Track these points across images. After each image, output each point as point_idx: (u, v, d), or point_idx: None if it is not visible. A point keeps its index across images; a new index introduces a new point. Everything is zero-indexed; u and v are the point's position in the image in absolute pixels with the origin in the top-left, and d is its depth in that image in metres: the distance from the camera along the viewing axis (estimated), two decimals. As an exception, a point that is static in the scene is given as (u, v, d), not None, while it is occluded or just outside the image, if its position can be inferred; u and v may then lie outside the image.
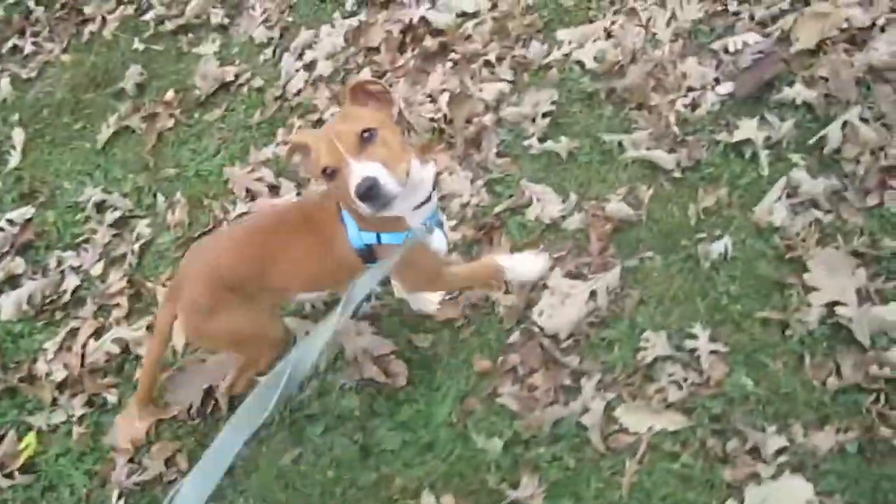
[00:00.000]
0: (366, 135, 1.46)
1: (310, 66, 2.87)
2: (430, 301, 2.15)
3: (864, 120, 2.27)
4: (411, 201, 1.60)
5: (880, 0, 2.54)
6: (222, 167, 2.70)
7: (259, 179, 2.59)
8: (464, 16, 2.85)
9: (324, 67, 2.82)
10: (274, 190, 2.58)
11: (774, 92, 2.42)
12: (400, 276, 1.95)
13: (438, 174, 1.74)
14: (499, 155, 2.46)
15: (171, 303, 1.80)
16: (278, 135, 2.71)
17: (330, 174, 1.48)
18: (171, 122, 2.90)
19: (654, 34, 2.64)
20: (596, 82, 2.55)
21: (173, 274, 2.40)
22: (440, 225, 1.77)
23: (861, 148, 2.22)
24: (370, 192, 1.39)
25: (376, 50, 2.80)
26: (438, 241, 1.74)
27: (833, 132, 2.25)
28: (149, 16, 3.23)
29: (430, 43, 2.73)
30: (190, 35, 3.18)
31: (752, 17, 2.62)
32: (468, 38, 2.76)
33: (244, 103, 2.89)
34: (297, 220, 1.75)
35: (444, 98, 2.61)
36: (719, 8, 2.64)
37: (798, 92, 2.38)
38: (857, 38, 2.45)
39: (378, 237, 1.65)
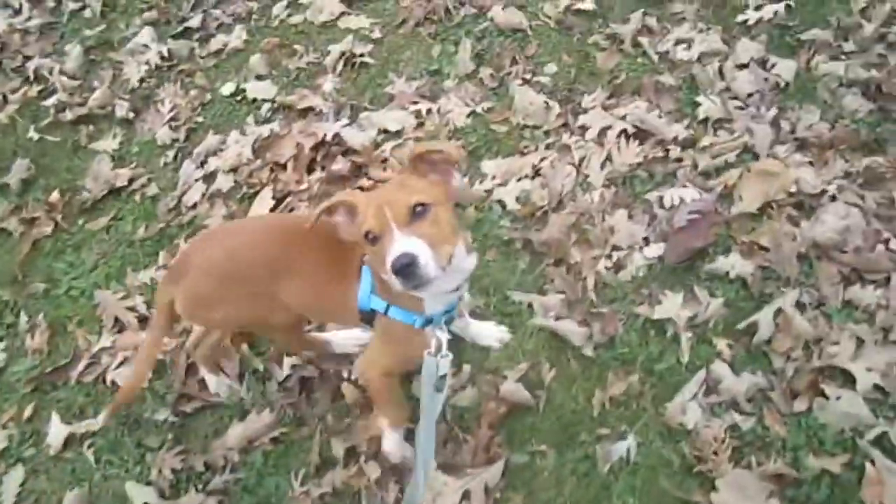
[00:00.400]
0: (419, 209, 1.50)
1: (210, 178, 2.77)
2: (496, 335, 2.27)
3: (800, 306, 2.17)
4: (442, 287, 1.61)
5: (834, 163, 2.45)
6: (95, 288, 2.58)
7: (131, 309, 2.46)
8: (385, 133, 2.77)
9: (224, 181, 2.76)
10: (143, 323, 2.44)
11: (707, 260, 2.35)
12: (375, 342, 1.92)
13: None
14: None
15: (172, 286, 1.87)
16: (160, 257, 2.59)
17: (372, 239, 1.51)
18: (50, 228, 2.85)
19: (587, 176, 2.58)
20: (514, 228, 2.46)
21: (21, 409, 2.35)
22: (451, 321, 1.81)
23: (794, 342, 2.15)
24: (407, 268, 1.42)
25: (283, 167, 2.70)
26: (441, 336, 1.71)
27: (765, 319, 2.18)
28: (51, 100, 3.18)
29: (340, 165, 2.64)
30: (91, 127, 3.13)
31: (695, 166, 2.58)
32: (384, 161, 2.66)
33: (133, 213, 2.85)
34: (324, 240, 1.71)
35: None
36: (660, 153, 2.57)
37: (733, 263, 2.32)
38: (804, 205, 2.42)
39: (387, 308, 1.72)
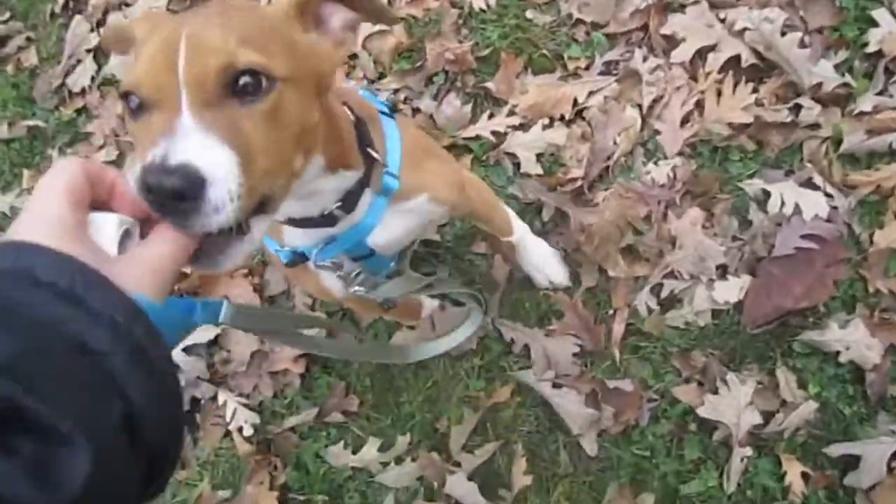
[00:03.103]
0: (245, 79, 0.84)
1: (101, 54, 2.25)
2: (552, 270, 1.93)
3: None
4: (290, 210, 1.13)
5: None
6: None
7: None
8: None
9: (118, 66, 2.20)
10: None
11: (811, 322, 1.81)
12: None
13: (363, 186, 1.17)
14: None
15: None
16: (24, 177, 2.17)
17: (135, 108, 0.86)
18: None
19: (656, 133, 1.97)
20: (527, 203, 1.87)
21: None
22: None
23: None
24: (172, 194, 0.76)
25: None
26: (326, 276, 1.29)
27: (873, 454, 1.70)
28: None
29: None
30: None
31: (837, 145, 1.87)
32: None
33: (3, 93, 2.42)
34: None
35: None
36: (786, 111, 1.84)
37: (850, 338, 1.81)
38: None
39: None
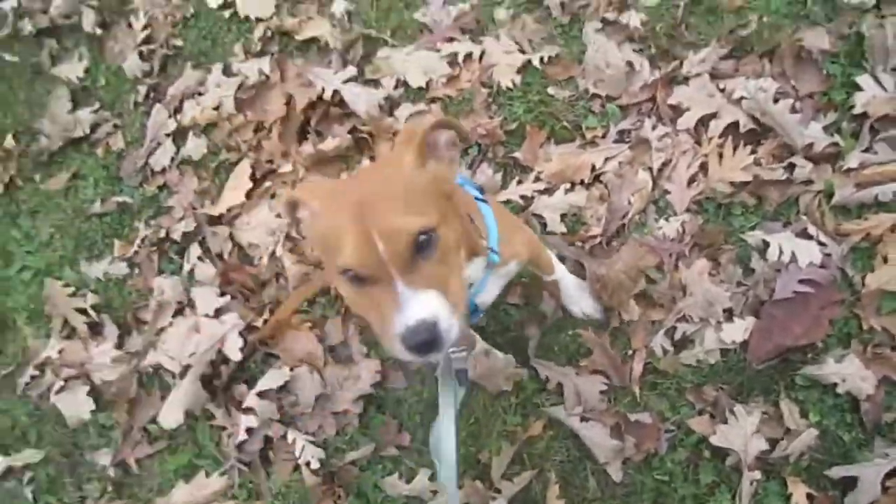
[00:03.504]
0: (423, 238, 1.20)
1: (182, 134, 2.58)
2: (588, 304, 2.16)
3: None
4: None
5: None
6: (48, 274, 2.59)
7: (81, 311, 2.46)
8: (405, 87, 2.44)
9: (195, 146, 2.55)
10: (94, 331, 2.40)
11: (811, 358, 1.98)
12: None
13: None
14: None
15: None
16: (115, 246, 2.50)
17: (353, 279, 1.23)
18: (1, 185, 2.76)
19: (666, 193, 2.18)
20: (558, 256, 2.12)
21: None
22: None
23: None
24: (426, 344, 1.17)
25: (269, 130, 2.42)
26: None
27: (870, 475, 1.86)
28: (7, 3, 2.93)
29: (336, 138, 2.37)
30: (54, 43, 2.95)
31: (829, 197, 2.07)
32: (395, 134, 2.33)
33: (95, 172, 2.82)
34: None
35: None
36: (781, 169, 2.08)
37: (847, 371, 1.98)
38: None
39: None
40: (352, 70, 2.50)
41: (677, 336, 2.03)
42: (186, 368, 2.32)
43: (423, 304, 1.16)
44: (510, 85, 2.38)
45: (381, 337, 1.22)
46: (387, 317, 1.17)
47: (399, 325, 1.15)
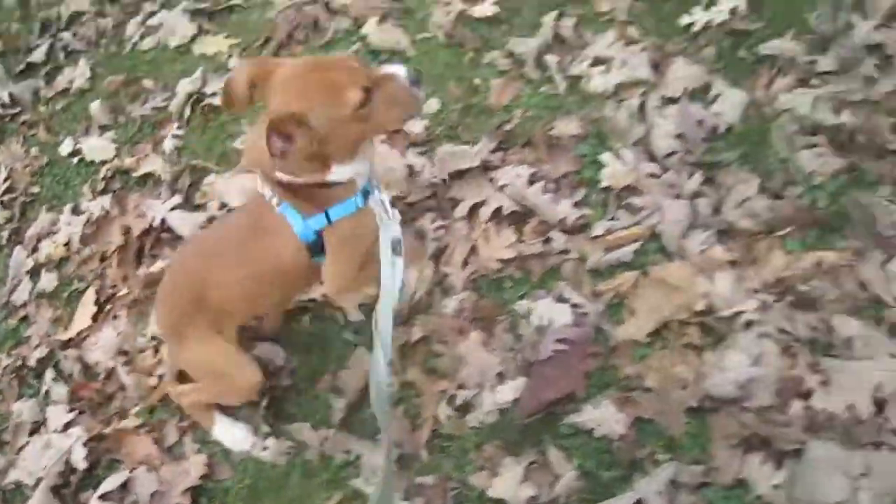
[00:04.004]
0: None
1: (38, 271, 2.80)
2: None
3: (677, 485, 1.95)
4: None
5: (767, 262, 2.18)
6: None
7: None
8: (227, 209, 2.66)
9: (48, 280, 2.79)
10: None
11: (571, 408, 2.17)
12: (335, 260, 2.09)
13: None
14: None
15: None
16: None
17: (363, 100, 1.70)
18: None
19: (446, 276, 2.36)
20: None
21: None
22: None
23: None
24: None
25: (110, 259, 2.69)
26: (380, 198, 1.97)
27: None
28: None
29: (163, 261, 2.59)
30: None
31: (582, 261, 2.28)
32: None
33: None
34: (236, 232, 2.06)
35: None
36: (540, 243, 2.28)
37: (602, 416, 2.15)
38: (714, 330, 2.14)
39: (327, 215, 1.90)
40: (178, 199, 2.78)
41: (461, 402, 2.21)
42: (39, 481, 2.47)
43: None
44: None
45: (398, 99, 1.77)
46: (395, 87, 1.74)
47: (401, 80, 1.75)
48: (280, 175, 1.84)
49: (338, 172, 1.83)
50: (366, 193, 1.93)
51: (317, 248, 1.95)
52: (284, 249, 1.95)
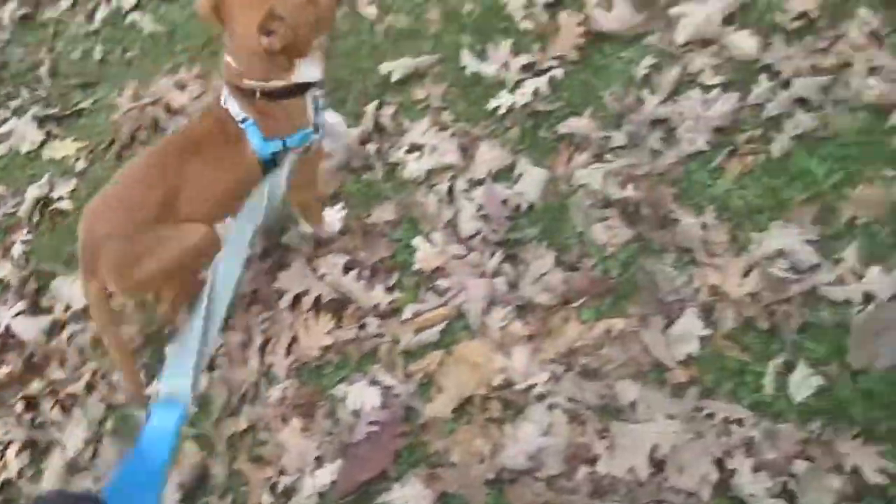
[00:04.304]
0: None
1: None
2: (333, 221, 2.66)
3: None
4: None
5: (560, 334, 2.25)
6: None
7: None
8: (70, 311, 2.72)
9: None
10: None
11: (383, 488, 2.22)
12: (296, 179, 2.28)
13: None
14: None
15: (93, 277, 2.18)
16: None
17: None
18: None
19: (271, 366, 2.43)
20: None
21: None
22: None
23: None
24: None
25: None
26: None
27: None
28: None
29: (10, 366, 2.64)
30: None
31: (396, 343, 2.36)
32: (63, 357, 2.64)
33: None
34: (194, 142, 2.19)
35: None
36: (355, 329, 2.38)
37: (409, 494, 2.20)
38: (512, 404, 2.22)
39: (284, 143, 2.16)
40: (22, 304, 2.83)
41: (282, 487, 2.26)
42: None
43: None
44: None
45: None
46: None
47: None
48: (249, 83, 2.07)
49: (299, 73, 2.08)
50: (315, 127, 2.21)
51: (268, 168, 2.18)
52: (241, 159, 2.15)
